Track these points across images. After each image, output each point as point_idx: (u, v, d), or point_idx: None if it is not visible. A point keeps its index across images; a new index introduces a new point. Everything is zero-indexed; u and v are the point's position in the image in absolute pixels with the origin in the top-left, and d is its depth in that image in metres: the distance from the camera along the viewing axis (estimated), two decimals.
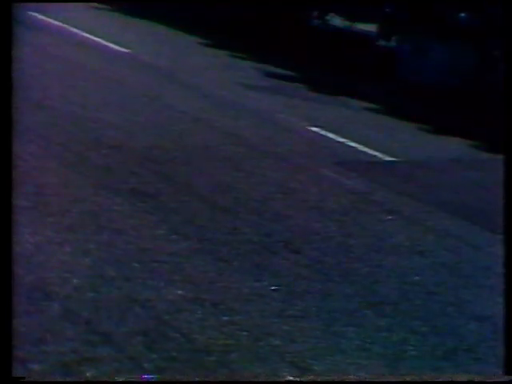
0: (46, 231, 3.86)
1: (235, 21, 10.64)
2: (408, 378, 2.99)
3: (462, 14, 9.08)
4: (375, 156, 6.01)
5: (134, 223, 4.13)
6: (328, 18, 10.99)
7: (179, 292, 3.47)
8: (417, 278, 4.00)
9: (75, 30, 9.22)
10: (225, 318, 3.30)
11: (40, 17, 9.70)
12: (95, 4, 11.25)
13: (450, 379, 3.02)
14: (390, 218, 4.78)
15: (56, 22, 9.50)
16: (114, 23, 10.29)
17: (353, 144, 6.20)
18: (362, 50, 9.77)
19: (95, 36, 9.02)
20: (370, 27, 10.49)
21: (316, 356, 3.10)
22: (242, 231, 4.25)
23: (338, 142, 6.24)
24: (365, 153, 6.05)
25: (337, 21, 10.92)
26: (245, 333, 3.22)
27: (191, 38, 9.93)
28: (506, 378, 2.86)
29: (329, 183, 5.25)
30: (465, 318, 3.65)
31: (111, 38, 8.98)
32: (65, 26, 9.38)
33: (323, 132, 6.43)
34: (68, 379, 2.81)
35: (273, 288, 3.65)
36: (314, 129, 6.51)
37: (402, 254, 4.27)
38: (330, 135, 6.37)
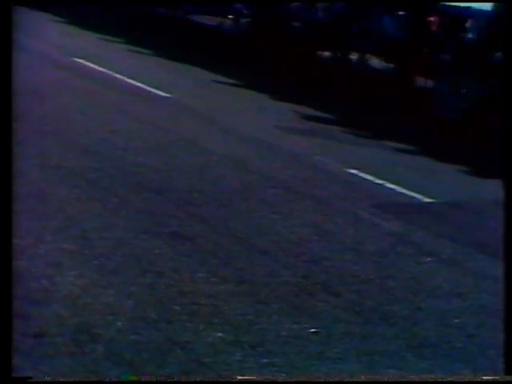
0: (90, 274, 3.97)
1: (269, 63, 10.84)
2: (408, 378, 2.98)
3: (498, 54, 9.10)
4: (414, 197, 6.02)
5: (174, 266, 4.21)
6: (366, 58, 11.11)
7: (218, 334, 3.52)
8: (456, 320, 3.98)
9: (119, 76, 9.50)
10: (264, 360, 3.34)
11: (85, 63, 10.04)
12: (136, 48, 11.58)
13: (451, 379, 2.99)
14: (428, 260, 4.77)
15: (100, 68, 9.81)
16: (156, 68, 10.57)
17: (391, 185, 6.22)
18: (399, 89, 9.84)
19: (138, 81, 9.28)
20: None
21: None
22: (280, 273, 4.29)
23: (376, 183, 6.27)
24: (403, 194, 6.06)
25: (374, 61, 11.03)
26: (283, 374, 3.25)
27: (229, 80, 10.14)
28: (506, 378, 2.83)
29: (366, 225, 5.28)
30: None
31: (153, 82, 9.23)
32: (109, 71, 9.67)
33: (361, 174, 6.47)
34: (68, 379, 2.88)
35: (311, 330, 3.67)
36: (352, 171, 6.55)
37: (441, 297, 4.26)
38: (368, 177, 6.41)
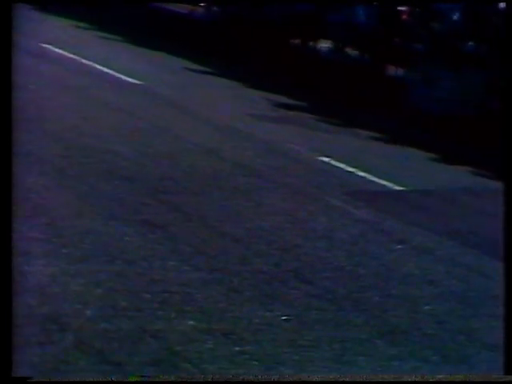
0: (59, 262, 3.91)
1: (244, 50, 10.79)
2: (408, 378, 3.00)
3: (470, 43, 9.16)
4: (384, 185, 6.04)
5: (145, 254, 4.17)
6: (338, 47, 11.12)
7: (190, 322, 3.50)
8: (427, 307, 4.01)
9: (88, 62, 9.37)
10: (236, 348, 3.33)
11: (54, 49, 9.88)
12: (107, 35, 11.45)
13: (450, 379, 3.03)
14: (399, 247, 4.80)
15: (70, 55, 9.67)
16: (127, 55, 10.45)
17: (362, 174, 6.25)
18: (371, 78, 9.86)
19: (108, 68, 9.17)
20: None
21: None
22: (252, 261, 4.28)
23: (348, 171, 6.29)
24: (374, 182, 6.09)
25: (347, 50, 11.04)
26: (255, 362, 3.24)
27: (201, 67, 10.07)
28: (506, 378, 2.87)
29: (338, 213, 5.29)
30: (476, 346, 3.65)
31: (124, 69, 9.13)
32: (78, 58, 9.54)
33: (333, 162, 6.48)
34: (68, 379, 2.85)
35: (284, 318, 3.67)
36: (324, 159, 6.56)
37: (412, 284, 4.29)
38: (340, 165, 6.42)
